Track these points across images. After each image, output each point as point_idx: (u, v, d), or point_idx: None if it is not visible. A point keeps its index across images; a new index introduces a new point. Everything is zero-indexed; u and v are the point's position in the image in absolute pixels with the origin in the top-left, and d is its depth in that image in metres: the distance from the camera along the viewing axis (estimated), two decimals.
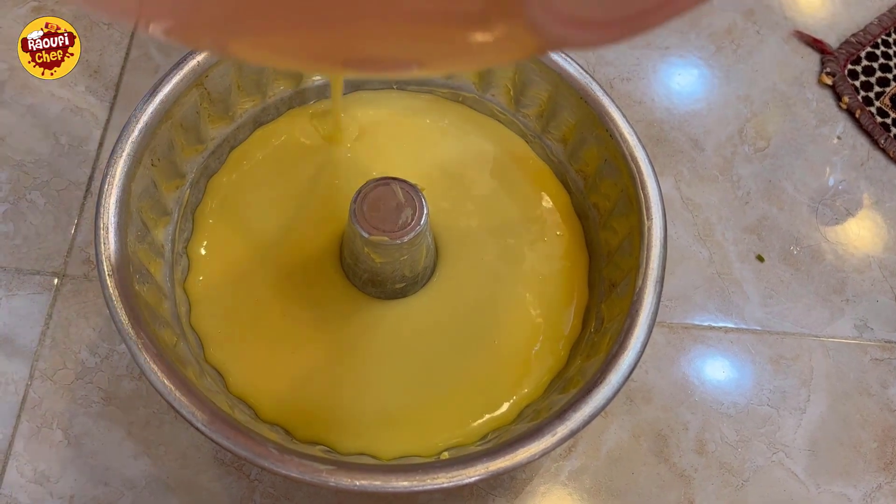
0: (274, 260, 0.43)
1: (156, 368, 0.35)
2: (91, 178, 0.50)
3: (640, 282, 0.39)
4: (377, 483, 0.33)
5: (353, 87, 0.47)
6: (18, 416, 0.44)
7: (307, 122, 0.46)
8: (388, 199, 0.39)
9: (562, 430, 0.35)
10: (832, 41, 0.59)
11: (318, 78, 0.46)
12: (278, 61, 0.28)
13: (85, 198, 0.49)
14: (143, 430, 0.44)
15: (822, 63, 0.58)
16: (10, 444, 0.43)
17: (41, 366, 0.45)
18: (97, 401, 0.44)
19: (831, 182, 0.55)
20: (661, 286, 0.39)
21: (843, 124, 0.57)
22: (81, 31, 0.54)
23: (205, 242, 0.43)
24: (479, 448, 0.37)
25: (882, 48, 0.59)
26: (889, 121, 0.56)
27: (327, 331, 0.42)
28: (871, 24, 0.60)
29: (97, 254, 0.37)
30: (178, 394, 0.35)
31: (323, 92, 0.47)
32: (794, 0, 0.61)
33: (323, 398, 0.40)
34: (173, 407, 0.34)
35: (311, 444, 0.39)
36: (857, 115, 0.57)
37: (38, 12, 0.55)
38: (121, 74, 0.53)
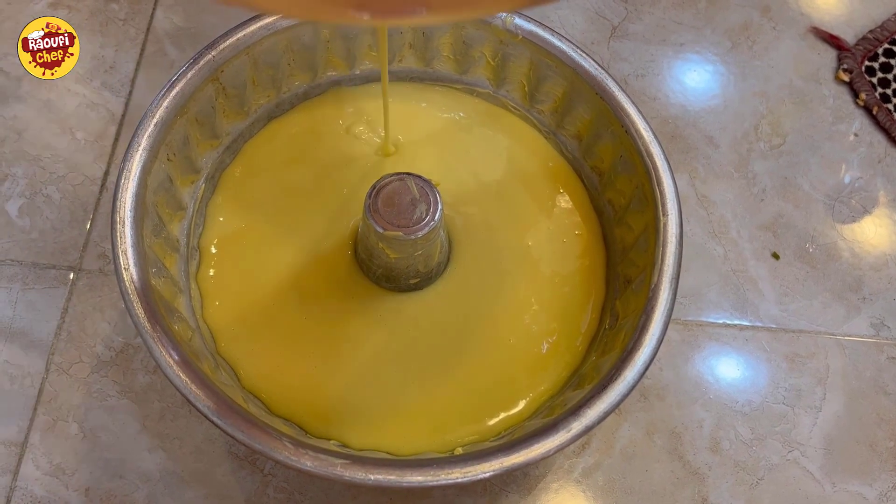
0: (286, 253, 0.43)
1: (171, 362, 0.35)
2: (106, 174, 0.50)
3: (655, 278, 0.38)
4: (392, 477, 0.33)
5: (364, 79, 0.47)
6: (34, 410, 0.44)
7: (321, 115, 0.46)
8: (402, 194, 0.39)
9: (576, 426, 0.35)
10: (849, 37, 0.59)
11: (334, 72, 0.46)
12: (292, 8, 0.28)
13: (100, 193, 0.50)
14: (158, 424, 0.44)
15: (839, 59, 0.58)
16: (27, 437, 0.44)
17: (57, 359, 0.45)
18: (112, 394, 0.45)
19: (847, 179, 0.54)
20: (677, 283, 0.39)
21: (859, 121, 0.56)
22: (98, 27, 0.54)
23: (216, 236, 0.43)
24: (494, 444, 0.37)
25: None
26: None
27: (341, 325, 0.42)
28: (889, 20, 0.59)
29: (113, 247, 0.37)
30: (193, 387, 0.35)
31: (337, 83, 0.47)
32: None
33: (336, 393, 0.40)
34: (189, 400, 0.34)
35: (324, 440, 0.39)
36: (874, 112, 0.56)
37: (53, 8, 0.55)
38: (136, 70, 0.54)
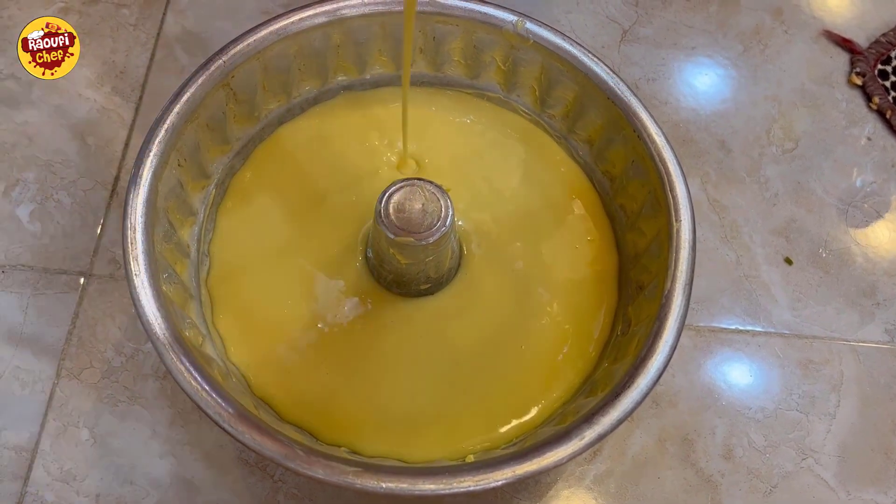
0: (297, 258, 0.43)
1: (182, 369, 0.35)
2: (117, 179, 0.50)
3: (668, 285, 0.38)
4: (404, 486, 0.33)
5: (373, 84, 0.47)
6: (45, 415, 0.44)
7: (331, 120, 0.46)
8: (413, 199, 0.39)
9: (590, 434, 0.34)
10: (861, 41, 0.58)
11: (343, 77, 0.46)
12: None
13: (111, 198, 0.50)
14: (169, 430, 0.44)
15: (852, 63, 0.58)
16: (37, 443, 0.44)
17: (68, 365, 0.45)
18: (123, 400, 0.45)
19: (860, 184, 0.54)
20: (690, 289, 0.38)
21: (872, 125, 0.56)
22: (108, 32, 0.55)
23: (226, 241, 0.43)
24: (506, 451, 0.36)
25: None
26: None
27: (351, 330, 0.41)
28: None
29: (124, 253, 0.37)
30: (204, 394, 0.35)
31: (348, 88, 0.47)
32: None
33: (347, 399, 0.40)
34: (200, 407, 0.34)
35: (335, 447, 0.39)
36: (887, 116, 0.56)
37: (64, 13, 0.55)
38: (146, 75, 0.54)
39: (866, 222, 0.53)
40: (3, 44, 0.54)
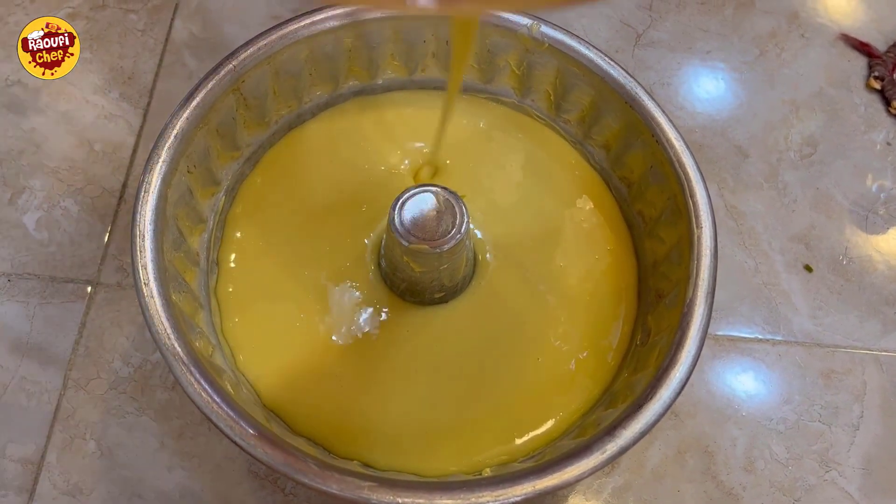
0: (307, 266, 0.42)
1: (192, 380, 0.34)
2: (125, 186, 0.50)
3: (690, 293, 0.37)
4: (420, 500, 0.32)
5: (384, 88, 0.46)
6: (51, 427, 0.43)
7: (342, 124, 0.45)
8: (427, 206, 0.38)
9: (612, 447, 0.33)
10: (880, 45, 0.57)
11: (355, 82, 0.45)
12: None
13: (118, 205, 0.49)
14: (177, 442, 0.43)
15: (870, 67, 0.57)
16: (43, 456, 0.43)
17: (74, 375, 0.44)
18: (131, 411, 0.44)
19: (879, 189, 0.53)
20: (713, 298, 0.37)
21: (891, 129, 0.55)
22: (116, 38, 0.54)
23: (234, 248, 0.42)
24: (525, 465, 0.35)
25: None
26: None
27: (364, 339, 0.40)
28: None
29: (133, 262, 0.36)
30: (215, 406, 0.34)
31: (359, 92, 0.46)
32: (839, 3, 0.59)
33: (360, 411, 0.39)
34: (211, 420, 0.33)
35: (348, 460, 0.38)
36: None
37: (72, 18, 0.54)
38: (154, 81, 0.53)
39: (886, 228, 0.52)
40: (9, 50, 0.53)
